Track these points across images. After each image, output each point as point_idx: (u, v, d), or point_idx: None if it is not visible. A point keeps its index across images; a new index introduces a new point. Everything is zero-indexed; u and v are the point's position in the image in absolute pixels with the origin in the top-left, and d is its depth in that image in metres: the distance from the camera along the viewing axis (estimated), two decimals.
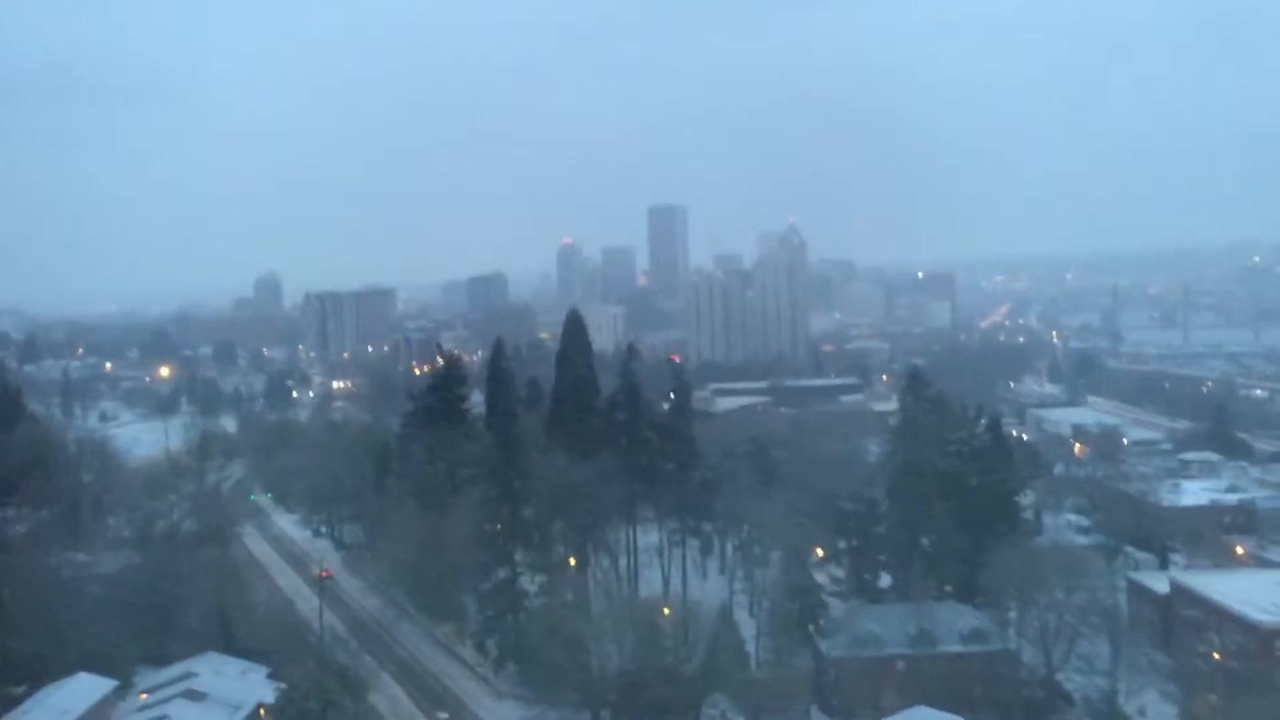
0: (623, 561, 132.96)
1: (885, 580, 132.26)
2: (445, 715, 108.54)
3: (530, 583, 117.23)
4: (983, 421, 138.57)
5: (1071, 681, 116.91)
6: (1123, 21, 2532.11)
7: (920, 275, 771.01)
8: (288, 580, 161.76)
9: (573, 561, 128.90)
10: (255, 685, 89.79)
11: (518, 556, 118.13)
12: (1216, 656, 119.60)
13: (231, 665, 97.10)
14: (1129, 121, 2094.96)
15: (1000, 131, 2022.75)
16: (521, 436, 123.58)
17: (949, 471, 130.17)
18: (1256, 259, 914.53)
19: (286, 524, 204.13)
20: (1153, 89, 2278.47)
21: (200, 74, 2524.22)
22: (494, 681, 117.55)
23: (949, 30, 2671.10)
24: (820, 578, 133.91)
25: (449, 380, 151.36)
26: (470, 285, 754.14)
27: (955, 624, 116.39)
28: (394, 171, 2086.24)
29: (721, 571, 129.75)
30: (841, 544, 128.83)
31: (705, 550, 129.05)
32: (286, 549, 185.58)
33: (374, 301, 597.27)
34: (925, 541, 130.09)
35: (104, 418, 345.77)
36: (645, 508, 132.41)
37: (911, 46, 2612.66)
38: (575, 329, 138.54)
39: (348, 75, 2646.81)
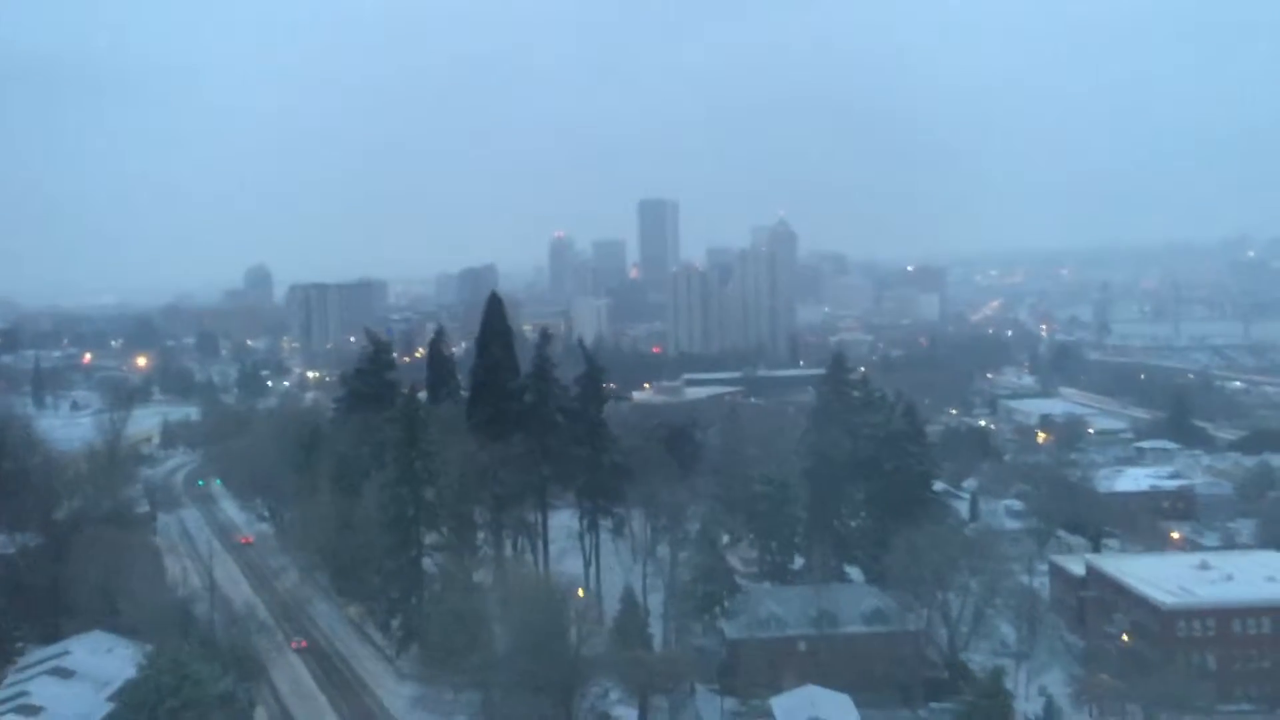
0: (537, 544, 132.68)
1: (799, 562, 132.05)
2: (303, 641, 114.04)
3: (434, 565, 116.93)
4: (898, 407, 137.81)
5: (976, 662, 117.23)
6: (1120, 17, 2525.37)
7: (910, 269, 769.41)
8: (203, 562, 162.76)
9: (480, 543, 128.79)
10: (128, 662, 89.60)
11: (425, 539, 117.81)
12: (1125, 637, 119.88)
13: (113, 644, 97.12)
14: (1126, 116, 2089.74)
15: (996, 127, 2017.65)
16: (426, 418, 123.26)
17: (863, 456, 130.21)
18: (1250, 253, 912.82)
19: (232, 509, 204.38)
20: (1150, 84, 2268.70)
21: (197, 67, 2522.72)
22: (398, 663, 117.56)
23: (946, 25, 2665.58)
24: (736, 561, 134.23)
25: (376, 364, 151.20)
26: (461, 277, 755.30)
27: (858, 605, 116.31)
28: (391, 166, 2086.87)
29: (634, 555, 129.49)
30: (754, 527, 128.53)
31: (617, 533, 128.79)
32: (220, 532, 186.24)
33: (360, 293, 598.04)
34: (838, 524, 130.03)
35: (75, 406, 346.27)
36: (560, 491, 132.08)
37: (907, 41, 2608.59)
38: (494, 313, 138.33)
39: (343, 70, 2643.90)
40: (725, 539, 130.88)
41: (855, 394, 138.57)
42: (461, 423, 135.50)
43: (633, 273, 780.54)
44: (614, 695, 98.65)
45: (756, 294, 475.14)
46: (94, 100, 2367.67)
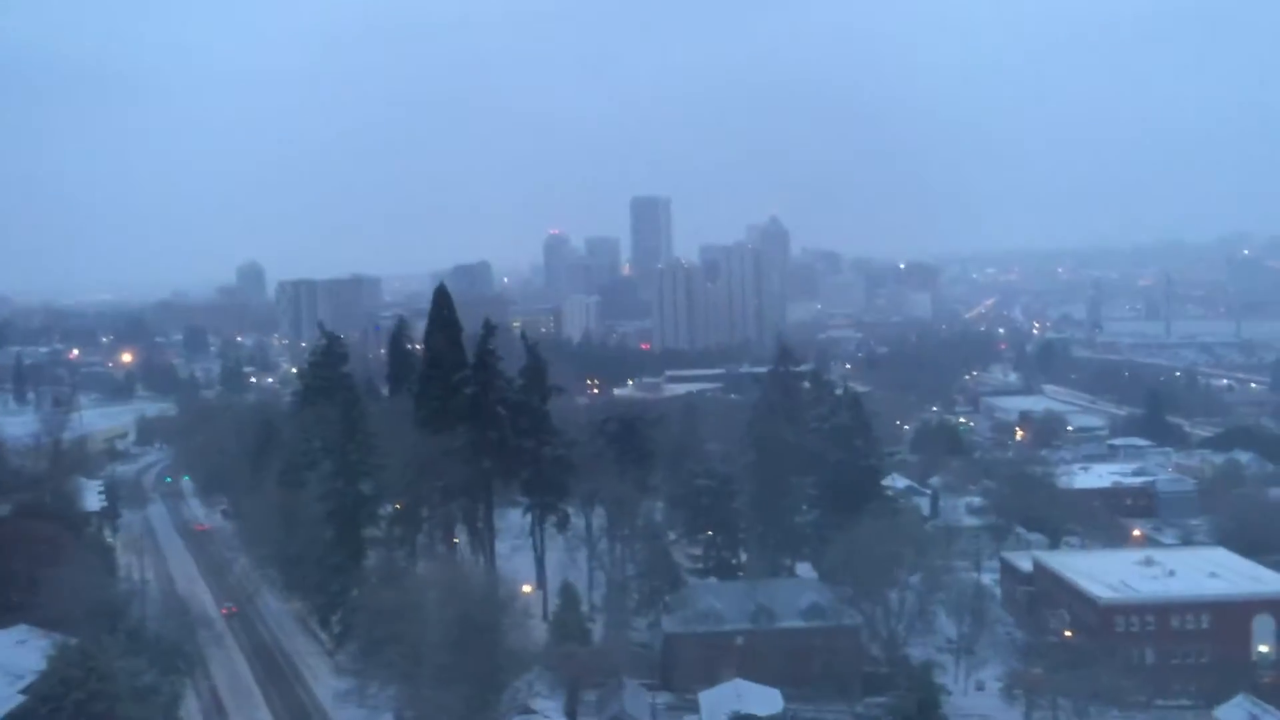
0: (484, 538, 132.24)
1: (744, 557, 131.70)
2: (232, 606, 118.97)
3: (373, 558, 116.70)
4: (843, 400, 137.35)
5: (918, 657, 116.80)
6: (1117, 15, 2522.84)
7: (902, 266, 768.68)
8: (157, 557, 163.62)
9: (422, 538, 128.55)
10: (45, 656, 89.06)
11: (364, 532, 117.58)
12: (1067, 633, 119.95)
13: (32, 637, 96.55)
14: (1123, 115, 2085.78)
15: (994, 127, 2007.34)
16: (368, 410, 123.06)
17: (808, 449, 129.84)
18: (1246, 252, 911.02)
19: (196, 505, 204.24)
20: (1147, 83, 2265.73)
21: (193, 65, 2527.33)
22: (337, 657, 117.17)
23: (943, 23, 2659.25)
24: (684, 556, 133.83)
25: (329, 358, 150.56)
26: (454, 274, 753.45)
27: (796, 600, 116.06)
28: (389, 164, 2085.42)
29: (574, 550, 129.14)
30: (697, 522, 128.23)
31: (560, 527, 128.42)
32: (181, 529, 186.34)
33: (349, 289, 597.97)
34: (784, 519, 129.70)
35: (57, 403, 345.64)
36: (504, 485, 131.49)
37: (906, 39, 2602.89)
38: (441, 305, 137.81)
39: (341, 70, 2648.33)
40: (671, 535, 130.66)
41: (805, 387, 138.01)
42: (412, 416, 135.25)
43: (625, 270, 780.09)
44: (539, 689, 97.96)
45: (743, 291, 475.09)
46: (93, 98, 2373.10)
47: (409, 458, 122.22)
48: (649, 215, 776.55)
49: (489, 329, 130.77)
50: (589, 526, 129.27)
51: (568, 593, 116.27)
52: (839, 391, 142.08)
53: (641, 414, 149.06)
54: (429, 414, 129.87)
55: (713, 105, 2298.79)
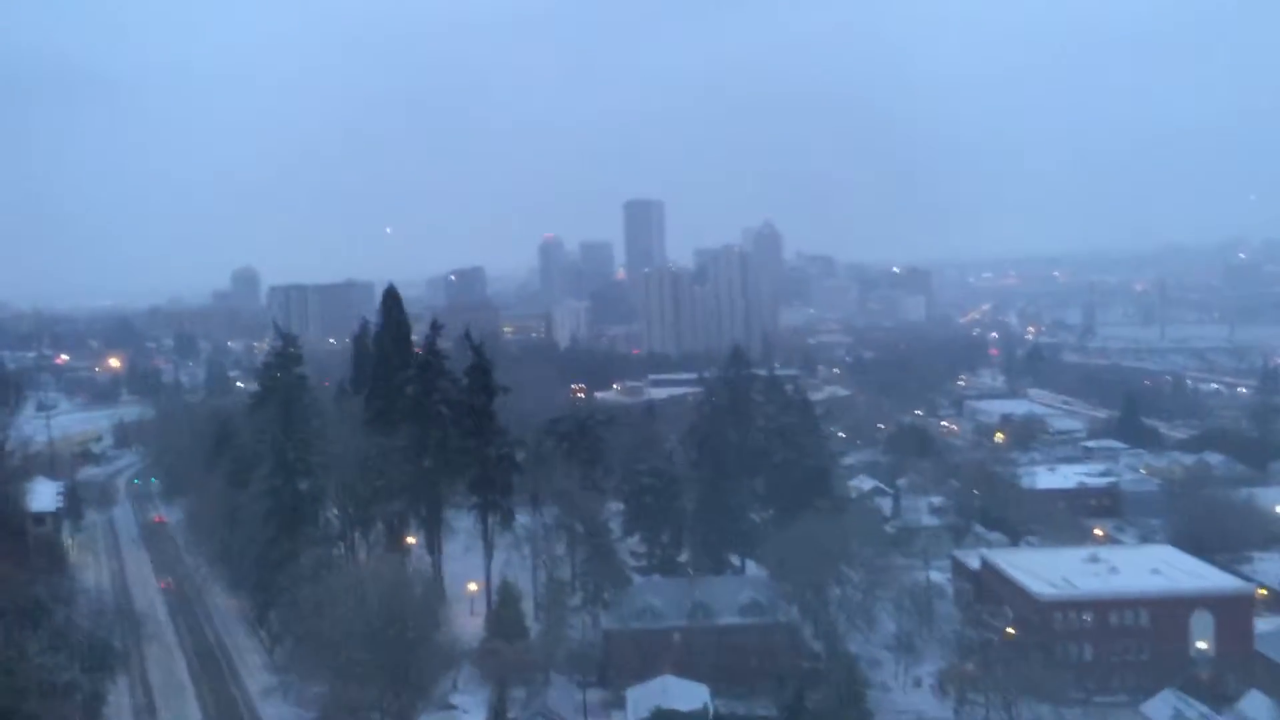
0: (433, 537, 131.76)
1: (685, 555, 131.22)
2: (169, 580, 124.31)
3: (309, 557, 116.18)
4: (791, 400, 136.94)
5: (861, 655, 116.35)
6: (1116, 20, 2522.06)
7: (896, 270, 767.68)
8: (112, 558, 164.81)
9: (364, 537, 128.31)
10: None
11: (303, 531, 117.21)
12: (1010, 630, 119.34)
13: None
14: (1121, 120, 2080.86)
15: (993, 132, 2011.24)
16: (305, 410, 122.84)
17: (754, 449, 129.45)
18: (1243, 256, 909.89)
19: (165, 507, 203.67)
20: (1147, 87, 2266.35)
21: (192, 72, 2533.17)
22: (275, 655, 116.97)
23: (943, 29, 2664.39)
24: (630, 554, 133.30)
25: (284, 359, 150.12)
26: (448, 280, 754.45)
27: (735, 597, 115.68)
28: (387, 170, 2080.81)
29: (520, 548, 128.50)
30: (641, 520, 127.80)
31: (504, 526, 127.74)
32: (143, 530, 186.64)
33: (341, 294, 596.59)
34: (729, 517, 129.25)
35: (41, 407, 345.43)
36: (452, 485, 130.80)
37: (905, 44, 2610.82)
38: (390, 307, 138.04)
39: (337, 76, 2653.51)
40: (617, 533, 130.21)
41: (754, 387, 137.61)
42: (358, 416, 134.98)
43: (620, 274, 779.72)
44: (464, 686, 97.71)
45: (730, 295, 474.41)
46: (93, 101, 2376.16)
47: (350, 457, 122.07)
48: (642, 219, 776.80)
49: (435, 329, 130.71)
50: (535, 525, 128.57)
51: (506, 591, 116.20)
52: (789, 390, 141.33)
53: (593, 414, 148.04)
54: (374, 414, 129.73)
55: (711, 109, 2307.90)
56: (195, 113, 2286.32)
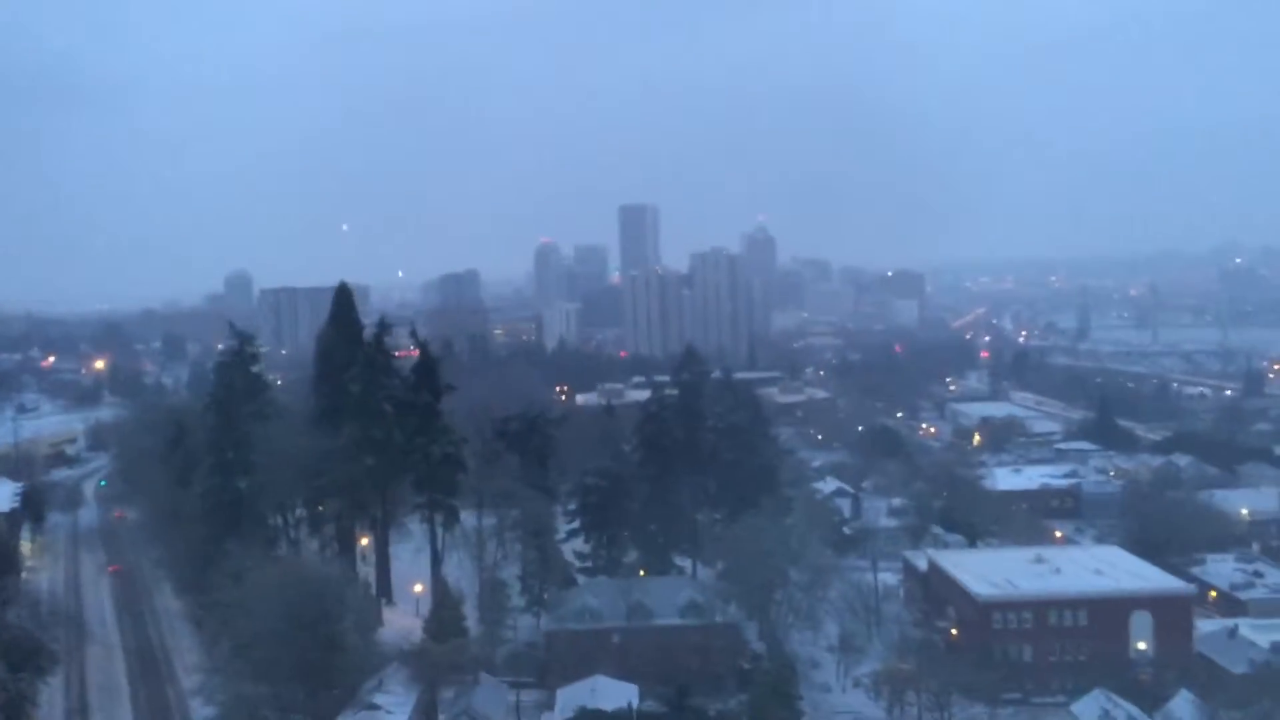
0: (381, 536, 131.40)
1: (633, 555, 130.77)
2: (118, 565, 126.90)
3: (246, 556, 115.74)
4: (740, 400, 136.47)
5: (803, 656, 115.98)
6: (1119, 26, 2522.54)
7: (889, 274, 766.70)
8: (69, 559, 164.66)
9: (306, 536, 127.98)
10: None
11: (242, 529, 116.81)
12: (953, 630, 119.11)
13: None
14: (1119, 126, 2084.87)
15: (992, 137, 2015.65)
16: (262, 409, 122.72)
17: (703, 449, 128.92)
18: (1238, 261, 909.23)
19: (129, 509, 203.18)
20: (1144, 93, 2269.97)
21: (183, 74, 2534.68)
22: (214, 654, 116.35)
23: (939, 33, 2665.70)
24: (573, 555, 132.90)
25: (241, 358, 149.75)
26: (442, 283, 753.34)
27: (674, 598, 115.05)
28: (383, 174, 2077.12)
29: (464, 548, 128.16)
30: (586, 520, 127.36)
31: (449, 525, 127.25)
32: (104, 532, 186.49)
33: (331, 297, 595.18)
34: (672, 517, 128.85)
35: (22, 409, 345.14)
36: (396, 484, 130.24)
37: (902, 49, 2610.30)
38: (341, 305, 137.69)
39: (334, 80, 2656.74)
40: (563, 533, 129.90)
41: (706, 387, 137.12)
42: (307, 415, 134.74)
43: (615, 279, 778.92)
44: (392, 686, 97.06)
45: (718, 298, 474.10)
46: (88, 109, 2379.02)
47: (291, 456, 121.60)
48: (637, 223, 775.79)
49: (384, 327, 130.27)
50: (481, 526, 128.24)
51: (443, 591, 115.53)
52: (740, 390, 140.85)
53: (543, 413, 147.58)
54: (319, 412, 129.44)
55: (709, 113, 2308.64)
56: (191, 116, 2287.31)
